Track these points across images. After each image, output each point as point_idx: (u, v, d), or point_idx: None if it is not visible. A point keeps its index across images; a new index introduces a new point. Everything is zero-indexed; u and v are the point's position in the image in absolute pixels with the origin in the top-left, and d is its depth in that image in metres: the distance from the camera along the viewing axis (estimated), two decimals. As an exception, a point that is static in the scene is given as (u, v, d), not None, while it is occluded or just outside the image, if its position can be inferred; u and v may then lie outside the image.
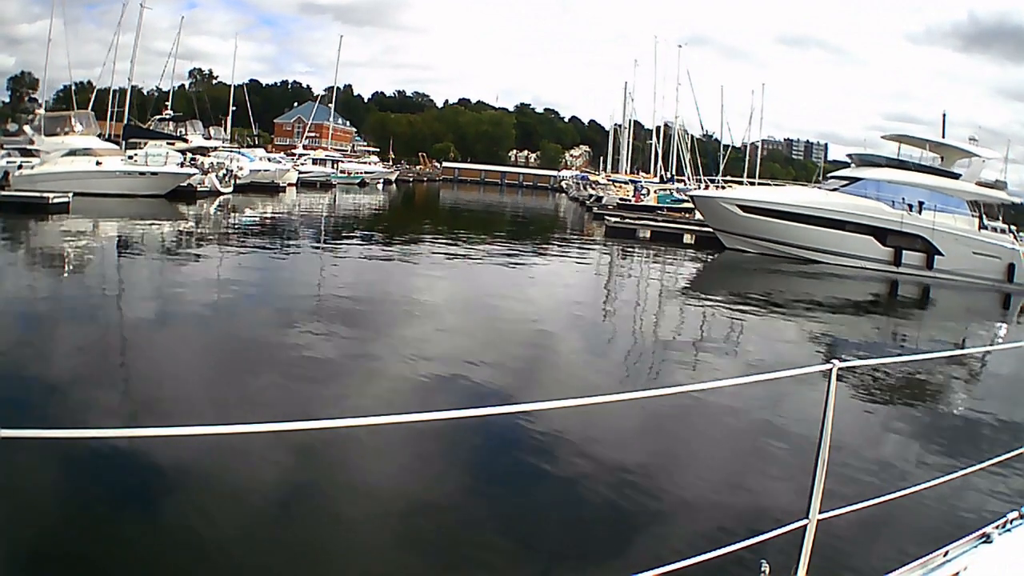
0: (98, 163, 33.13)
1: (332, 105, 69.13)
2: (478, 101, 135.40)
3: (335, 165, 62.25)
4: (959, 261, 27.85)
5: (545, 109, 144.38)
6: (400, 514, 5.36)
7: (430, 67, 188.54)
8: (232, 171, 42.16)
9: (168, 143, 42.33)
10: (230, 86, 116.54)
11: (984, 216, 30.92)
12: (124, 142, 41.49)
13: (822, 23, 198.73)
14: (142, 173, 34.33)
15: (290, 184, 50.80)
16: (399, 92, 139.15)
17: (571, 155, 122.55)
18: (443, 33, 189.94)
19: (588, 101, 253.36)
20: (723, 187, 30.60)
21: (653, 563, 2.22)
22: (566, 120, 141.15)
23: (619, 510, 5.65)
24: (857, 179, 28.11)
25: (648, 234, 31.00)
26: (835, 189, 28.42)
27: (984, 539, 2.43)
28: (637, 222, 32.14)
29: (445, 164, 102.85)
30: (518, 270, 21.35)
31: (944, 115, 32.88)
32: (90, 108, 41.67)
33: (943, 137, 31.60)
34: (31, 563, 4.34)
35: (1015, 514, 2.55)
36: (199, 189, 37.45)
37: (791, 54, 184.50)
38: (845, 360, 2.66)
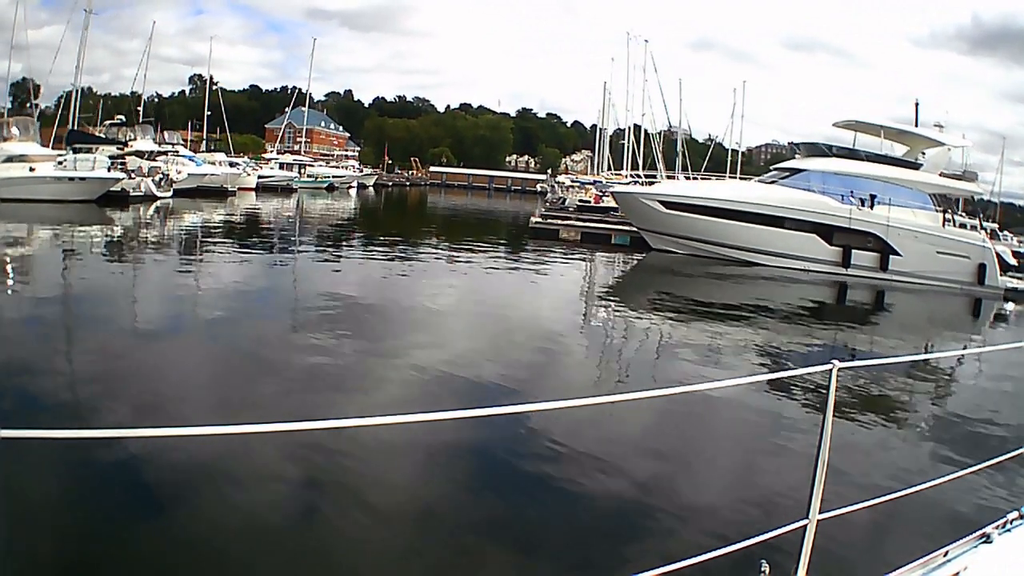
0: (31, 169, 32.24)
1: (306, 108, 67.47)
2: (479, 106, 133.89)
3: (302, 169, 60.24)
4: (919, 261, 24.65)
5: (547, 114, 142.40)
6: (400, 513, 5.33)
7: (437, 72, 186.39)
8: (167, 175, 40.67)
9: (118, 148, 41.61)
10: (229, 91, 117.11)
11: (955, 212, 27.68)
12: (69, 147, 40.88)
13: (827, 26, 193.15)
14: (71, 179, 33.40)
15: (243, 188, 49.13)
16: (399, 97, 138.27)
17: (572, 159, 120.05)
18: (450, 38, 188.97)
19: (589, 105, 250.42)
20: (643, 181, 27.38)
21: (653, 563, 2.21)
22: (568, 125, 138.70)
23: (619, 510, 5.62)
24: (799, 170, 25.00)
25: (577, 235, 28.18)
26: (773, 182, 25.31)
27: (984, 539, 2.42)
28: (562, 223, 29.33)
29: (433, 169, 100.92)
30: (409, 274, 18.95)
31: (917, 104, 29.49)
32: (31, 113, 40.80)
33: (916, 127, 28.30)
34: (31, 564, 4.22)
35: (1015, 514, 2.54)
36: (132, 194, 36.24)
37: (797, 57, 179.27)
38: (845, 360, 2.87)
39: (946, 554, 2.34)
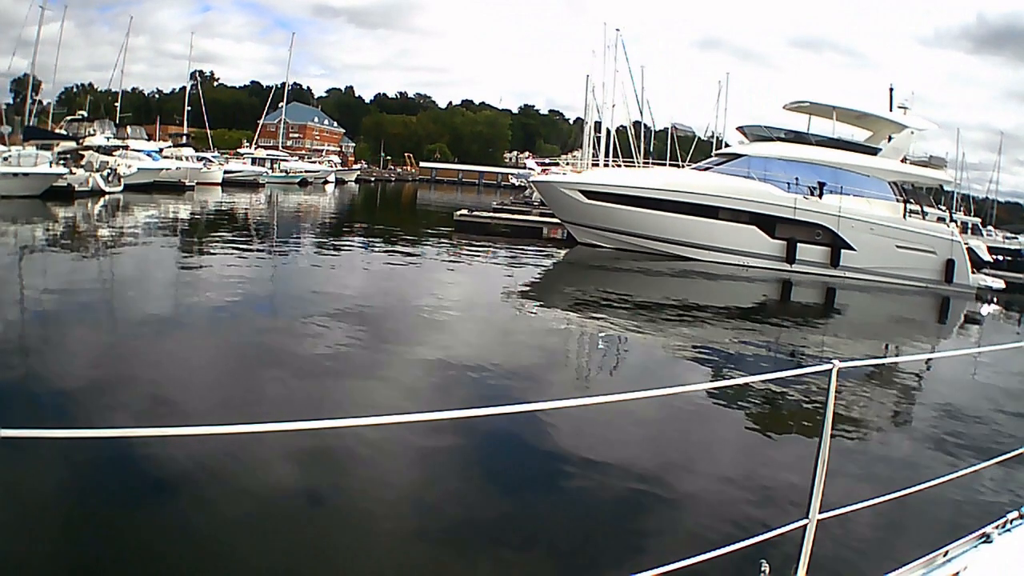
0: None
1: (283, 104, 65.90)
2: (481, 102, 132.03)
3: (274, 164, 58.72)
4: (876, 257, 22.23)
5: (550, 110, 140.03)
6: (399, 511, 5.26)
7: (444, 70, 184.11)
8: (115, 169, 40.01)
9: (77, 143, 41.35)
10: (230, 87, 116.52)
11: (924, 203, 25.11)
12: (24, 143, 40.94)
13: (834, 25, 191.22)
14: (15, 175, 33.04)
15: (205, 183, 48.09)
16: (401, 94, 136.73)
17: (573, 156, 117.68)
18: (457, 36, 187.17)
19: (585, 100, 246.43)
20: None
21: (653, 563, 2.19)
22: (571, 122, 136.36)
23: (619, 510, 5.56)
24: (737, 156, 22.61)
25: (506, 228, 26.05)
26: (708, 168, 22.92)
27: (984, 539, 2.42)
28: (487, 217, 27.18)
29: (423, 164, 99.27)
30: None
31: (891, 89, 26.77)
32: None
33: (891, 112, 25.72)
34: (31, 564, 4.17)
35: (1015, 514, 2.54)
36: (78, 189, 35.89)
37: (805, 56, 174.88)
38: (845, 360, 2.54)
39: (946, 554, 2.32)
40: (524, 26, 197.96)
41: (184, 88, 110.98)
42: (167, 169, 45.00)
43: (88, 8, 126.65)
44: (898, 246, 22.43)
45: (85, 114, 50.46)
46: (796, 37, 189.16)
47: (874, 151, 23.28)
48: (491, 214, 27.35)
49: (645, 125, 46.04)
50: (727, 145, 38.04)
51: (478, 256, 21.98)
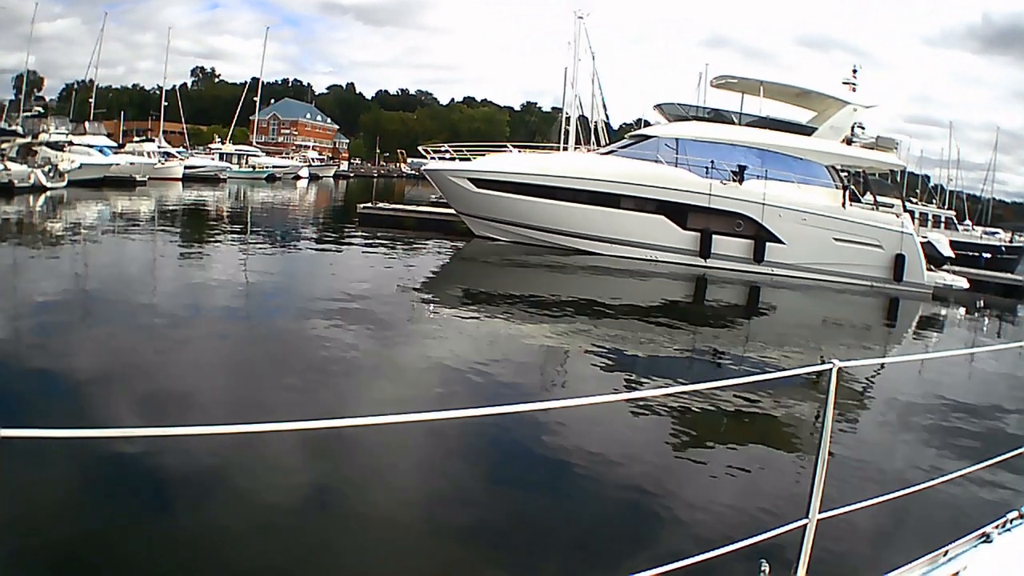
0: None
1: (258, 99, 64.40)
2: (483, 99, 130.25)
3: (241, 159, 57.40)
4: (810, 251, 19.70)
5: (552, 108, 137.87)
6: (400, 511, 5.24)
7: (453, 68, 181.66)
8: (55, 165, 39.26)
9: (32, 139, 40.85)
10: (231, 84, 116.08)
11: (876, 191, 22.48)
12: None
13: (841, 25, 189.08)
14: None
15: (160, 178, 47.06)
16: (402, 91, 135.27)
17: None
18: (466, 34, 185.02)
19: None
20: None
21: (653, 563, 2.17)
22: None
23: (618, 510, 5.54)
24: (645, 137, 20.13)
25: (413, 222, 23.93)
26: (611, 152, 20.49)
27: (984, 539, 2.42)
28: (393, 210, 25.06)
29: (410, 160, 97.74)
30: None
31: (855, 70, 23.94)
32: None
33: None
34: (31, 565, 4.12)
35: (1015, 514, 2.53)
36: (19, 185, 35.09)
37: (812, 55, 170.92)
38: (845, 360, 2.49)
39: (946, 554, 2.32)
40: (530, 24, 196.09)
41: (181, 85, 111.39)
42: (116, 164, 44.09)
43: (96, 5, 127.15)
44: (836, 239, 19.89)
45: (42, 110, 49.83)
46: (803, 36, 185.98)
47: (809, 131, 20.71)
48: (398, 207, 25.22)
49: (606, 115, 43.32)
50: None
51: (369, 251, 19.84)
